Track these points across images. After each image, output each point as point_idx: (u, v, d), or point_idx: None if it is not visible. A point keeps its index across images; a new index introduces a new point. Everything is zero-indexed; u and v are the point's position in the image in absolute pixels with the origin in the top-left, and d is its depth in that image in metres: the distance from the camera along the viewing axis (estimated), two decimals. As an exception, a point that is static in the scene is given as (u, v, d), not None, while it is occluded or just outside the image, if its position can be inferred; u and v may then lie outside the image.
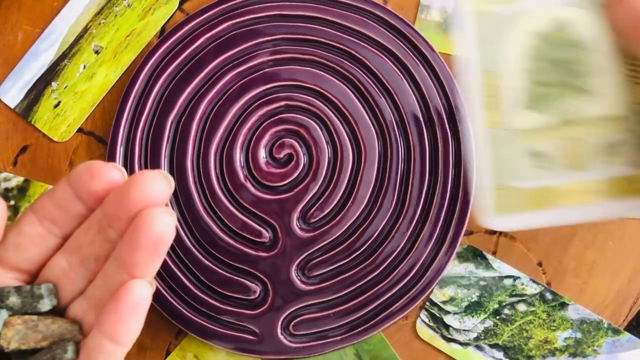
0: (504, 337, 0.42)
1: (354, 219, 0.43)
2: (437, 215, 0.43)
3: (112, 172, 0.25)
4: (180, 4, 0.48)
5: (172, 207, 0.44)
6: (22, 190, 0.45)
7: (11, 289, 0.25)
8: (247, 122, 0.44)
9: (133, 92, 0.45)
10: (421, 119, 0.44)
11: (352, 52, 0.45)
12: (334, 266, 0.43)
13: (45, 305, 0.25)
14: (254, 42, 0.45)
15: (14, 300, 0.25)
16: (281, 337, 0.42)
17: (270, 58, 0.45)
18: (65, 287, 0.26)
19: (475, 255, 0.43)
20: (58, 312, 0.26)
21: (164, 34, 0.47)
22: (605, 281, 0.43)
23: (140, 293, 0.24)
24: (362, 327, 0.42)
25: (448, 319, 0.42)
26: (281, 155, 0.44)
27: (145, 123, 0.45)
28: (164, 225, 0.23)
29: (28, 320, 0.25)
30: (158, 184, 0.24)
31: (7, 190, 0.45)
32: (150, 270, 0.24)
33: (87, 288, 0.26)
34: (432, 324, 0.43)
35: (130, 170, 0.44)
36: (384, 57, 0.45)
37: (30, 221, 0.25)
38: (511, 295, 0.42)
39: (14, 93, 0.47)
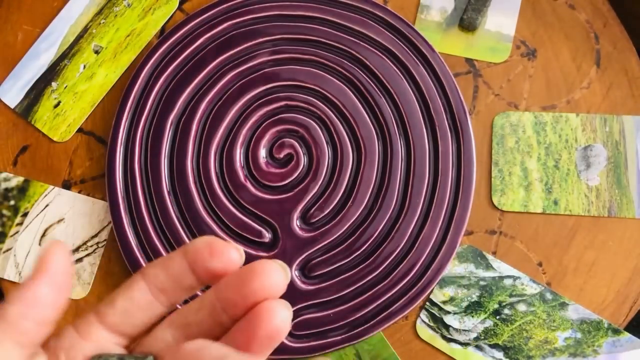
0: (504, 337, 0.42)
1: (354, 219, 0.43)
2: (437, 215, 0.43)
3: (232, 253, 0.25)
4: (181, 3, 0.48)
5: (172, 207, 0.44)
6: (22, 190, 0.45)
7: (115, 359, 0.25)
8: (247, 122, 0.44)
9: (133, 92, 0.45)
10: (421, 119, 0.44)
11: (352, 52, 0.45)
12: (334, 266, 0.43)
13: None
14: (254, 42, 0.45)
15: None
16: (281, 337, 0.42)
17: (270, 58, 0.45)
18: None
19: (475, 255, 0.43)
20: None
21: (164, 34, 0.47)
22: (605, 281, 0.43)
23: None
24: (362, 327, 0.42)
25: (448, 319, 0.42)
26: (281, 155, 0.44)
27: (146, 123, 0.45)
28: (281, 320, 0.24)
29: None
30: (277, 275, 0.24)
31: (7, 190, 0.45)
32: None
33: None
34: (432, 324, 0.42)
35: (131, 171, 0.44)
36: (384, 57, 0.45)
37: (140, 288, 0.26)
38: (511, 295, 0.42)
39: (14, 93, 0.47)
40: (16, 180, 0.46)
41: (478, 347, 0.42)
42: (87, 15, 0.48)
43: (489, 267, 0.43)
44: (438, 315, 0.43)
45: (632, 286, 0.43)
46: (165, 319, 0.26)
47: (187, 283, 0.25)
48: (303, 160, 0.44)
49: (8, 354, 0.24)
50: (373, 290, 0.42)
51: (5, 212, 0.45)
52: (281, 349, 0.42)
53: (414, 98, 0.44)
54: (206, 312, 0.25)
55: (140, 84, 0.45)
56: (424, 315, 0.43)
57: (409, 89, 0.44)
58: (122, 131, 0.45)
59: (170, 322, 0.26)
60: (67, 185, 0.46)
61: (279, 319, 0.24)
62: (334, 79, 0.44)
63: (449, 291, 0.43)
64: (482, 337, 0.42)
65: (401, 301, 0.42)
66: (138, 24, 0.47)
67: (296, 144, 0.44)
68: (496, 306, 0.42)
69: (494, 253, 0.43)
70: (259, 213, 0.43)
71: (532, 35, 0.46)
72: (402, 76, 0.44)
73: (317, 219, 0.43)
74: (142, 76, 0.45)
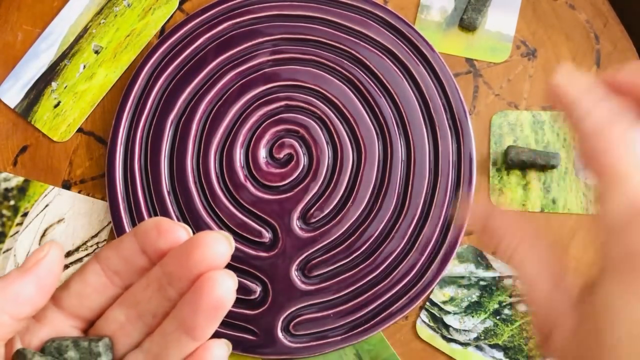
0: (504, 337, 0.42)
1: (354, 219, 0.43)
2: (437, 215, 0.43)
3: (179, 232, 0.25)
4: (180, 3, 0.48)
5: (172, 206, 0.44)
6: (22, 190, 0.45)
7: (69, 343, 0.25)
8: (247, 122, 0.44)
9: (133, 92, 0.45)
10: (421, 119, 0.44)
11: (352, 52, 0.45)
12: (334, 266, 0.43)
13: None
14: (254, 42, 0.45)
15: (72, 355, 0.25)
16: (281, 337, 0.42)
17: (270, 58, 0.45)
18: (120, 340, 0.26)
19: (475, 255, 0.43)
20: None
21: (164, 34, 0.47)
22: (605, 281, 0.43)
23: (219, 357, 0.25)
24: (362, 327, 0.42)
25: (448, 319, 0.42)
26: (281, 155, 0.44)
27: (145, 123, 0.45)
28: (225, 289, 0.24)
29: None
30: (220, 246, 0.24)
31: (7, 190, 0.45)
32: (208, 332, 0.24)
33: (144, 342, 0.26)
34: (432, 324, 0.43)
35: (131, 171, 0.44)
36: (384, 57, 0.45)
37: (94, 270, 0.26)
38: (511, 295, 0.42)
39: (13, 93, 0.47)
40: (16, 180, 0.46)
41: (478, 347, 0.42)
42: (87, 15, 0.48)
43: (489, 267, 0.43)
44: (438, 315, 0.43)
45: (632, 286, 0.43)
46: (117, 299, 0.26)
47: (139, 264, 0.25)
48: (303, 160, 0.44)
49: None
50: (373, 291, 0.42)
51: (5, 212, 0.45)
52: (281, 349, 0.42)
53: (414, 98, 0.44)
54: (154, 288, 0.25)
55: (140, 84, 0.45)
56: (424, 315, 0.43)
57: (409, 89, 0.44)
58: (122, 131, 0.45)
59: (121, 301, 0.26)
60: (67, 185, 0.46)
61: (223, 288, 0.23)
62: (334, 79, 0.44)
63: (449, 291, 0.43)
64: (482, 337, 0.42)
65: (401, 301, 0.42)
66: (138, 24, 0.47)
67: (296, 144, 0.44)
68: (496, 306, 0.42)
69: (493, 253, 0.43)
70: (259, 213, 0.43)
71: (532, 35, 0.46)
72: (402, 76, 0.44)
73: (317, 219, 0.43)
74: (142, 76, 0.45)
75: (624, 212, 0.22)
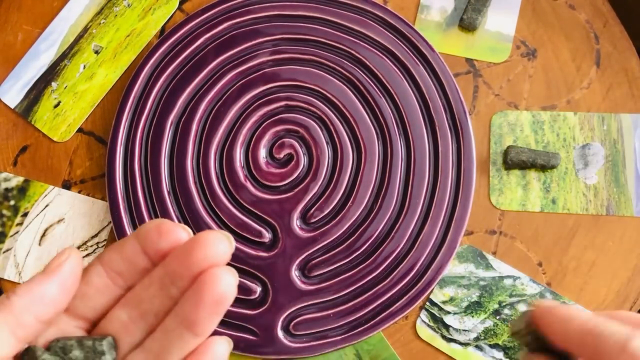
0: (504, 337, 0.42)
1: (354, 219, 0.43)
2: (437, 215, 0.43)
3: (180, 233, 0.26)
4: (180, 3, 0.48)
5: (172, 206, 0.44)
6: (22, 190, 0.45)
7: (74, 342, 0.26)
8: (247, 122, 0.44)
9: (133, 92, 0.45)
10: (421, 119, 0.44)
11: (352, 52, 0.45)
12: (334, 266, 0.43)
13: None
14: (254, 42, 0.45)
15: (76, 354, 0.26)
16: (281, 337, 0.42)
17: (270, 58, 0.45)
18: (123, 339, 0.27)
19: (475, 255, 0.43)
20: None
21: (164, 34, 0.47)
22: (605, 281, 0.43)
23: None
24: (362, 327, 0.42)
25: (448, 319, 0.42)
26: (281, 155, 0.44)
27: (145, 123, 0.45)
28: (226, 285, 0.24)
29: None
30: (221, 244, 0.25)
31: (7, 190, 0.45)
32: (210, 327, 0.25)
33: (146, 341, 0.27)
34: (432, 324, 0.43)
35: (131, 171, 0.44)
36: (384, 57, 0.45)
37: (97, 272, 0.27)
38: (511, 295, 0.42)
39: (14, 93, 0.47)
40: (16, 180, 0.46)
41: (478, 347, 0.42)
42: (87, 15, 0.48)
43: (489, 267, 0.43)
44: (438, 315, 0.43)
45: (632, 286, 0.43)
46: (120, 300, 0.27)
47: (141, 265, 0.26)
48: (303, 160, 0.44)
49: (1, 344, 0.24)
50: (373, 290, 0.42)
51: (5, 212, 0.45)
52: (281, 349, 0.42)
53: (414, 98, 0.44)
54: (156, 287, 0.26)
55: (140, 84, 0.45)
56: (424, 315, 0.43)
57: (409, 89, 0.44)
58: (122, 131, 0.45)
59: (124, 302, 0.27)
60: (67, 185, 0.46)
61: (224, 283, 0.24)
62: (334, 79, 0.44)
63: (449, 291, 0.43)
64: (482, 337, 0.42)
65: (401, 301, 0.42)
66: (138, 24, 0.47)
67: (296, 144, 0.44)
68: (496, 306, 0.42)
69: (494, 253, 0.43)
70: (259, 213, 0.43)
71: (532, 35, 0.46)
72: (402, 76, 0.44)
73: (317, 219, 0.43)
74: (142, 76, 0.45)
75: None
